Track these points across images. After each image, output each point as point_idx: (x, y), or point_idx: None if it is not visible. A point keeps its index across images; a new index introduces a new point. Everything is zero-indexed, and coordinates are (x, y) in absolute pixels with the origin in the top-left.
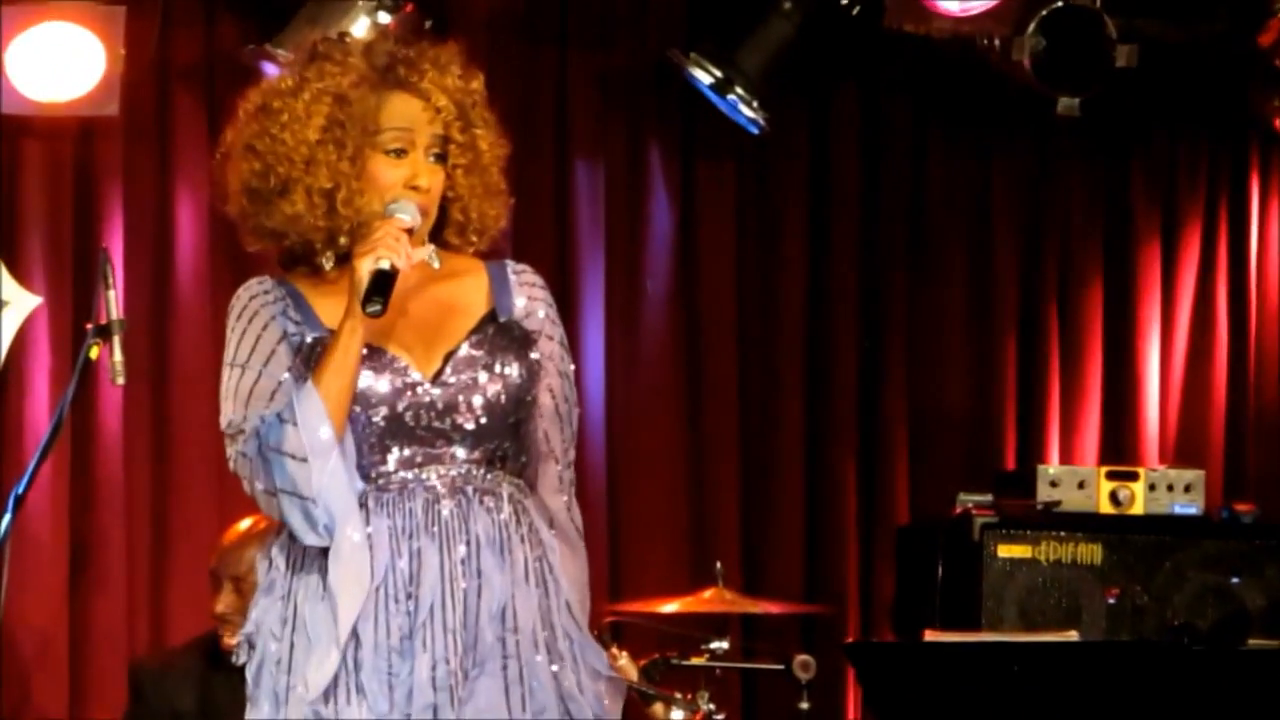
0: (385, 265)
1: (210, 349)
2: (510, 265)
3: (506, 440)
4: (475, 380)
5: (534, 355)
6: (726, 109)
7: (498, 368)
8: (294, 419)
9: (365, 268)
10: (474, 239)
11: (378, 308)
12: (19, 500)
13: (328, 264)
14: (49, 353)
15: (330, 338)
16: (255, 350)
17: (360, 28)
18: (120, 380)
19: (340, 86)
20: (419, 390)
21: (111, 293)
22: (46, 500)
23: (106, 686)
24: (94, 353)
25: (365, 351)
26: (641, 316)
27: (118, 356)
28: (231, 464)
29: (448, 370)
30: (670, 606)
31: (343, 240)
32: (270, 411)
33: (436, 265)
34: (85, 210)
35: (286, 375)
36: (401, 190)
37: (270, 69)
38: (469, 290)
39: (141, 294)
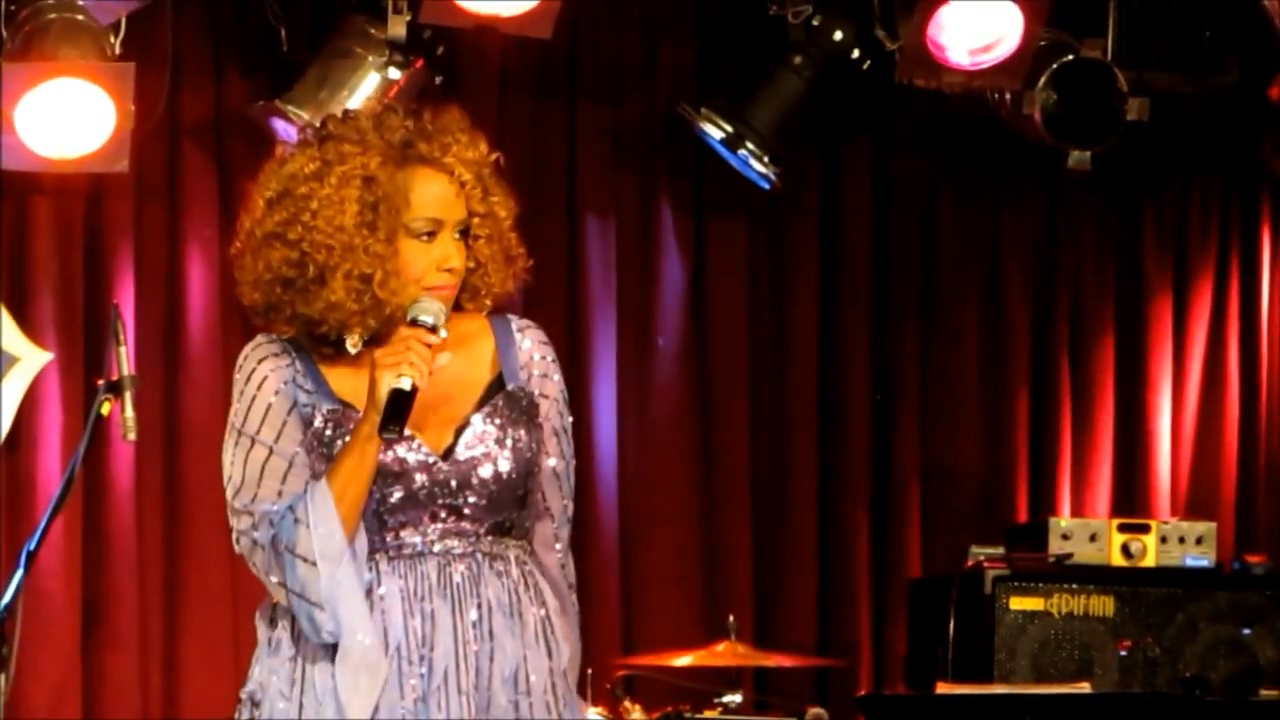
0: (406, 385)
1: (222, 405)
2: (514, 322)
3: (515, 510)
4: (487, 454)
5: (538, 420)
6: (737, 164)
7: (509, 441)
8: (306, 520)
9: (386, 383)
10: (487, 302)
11: (395, 434)
12: (31, 557)
13: (354, 350)
14: (60, 409)
15: (347, 443)
16: (265, 421)
17: (370, 85)
18: (132, 436)
19: (368, 168)
20: (433, 468)
21: (123, 349)
22: (59, 557)
23: None
24: (105, 409)
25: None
26: (653, 372)
27: (129, 413)
28: (237, 543)
29: (460, 446)
30: (683, 660)
31: (374, 323)
32: (283, 504)
33: (445, 335)
34: (96, 267)
35: (299, 450)
36: (436, 275)
37: (280, 126)
38: (476, 355)
39: (153, 350)
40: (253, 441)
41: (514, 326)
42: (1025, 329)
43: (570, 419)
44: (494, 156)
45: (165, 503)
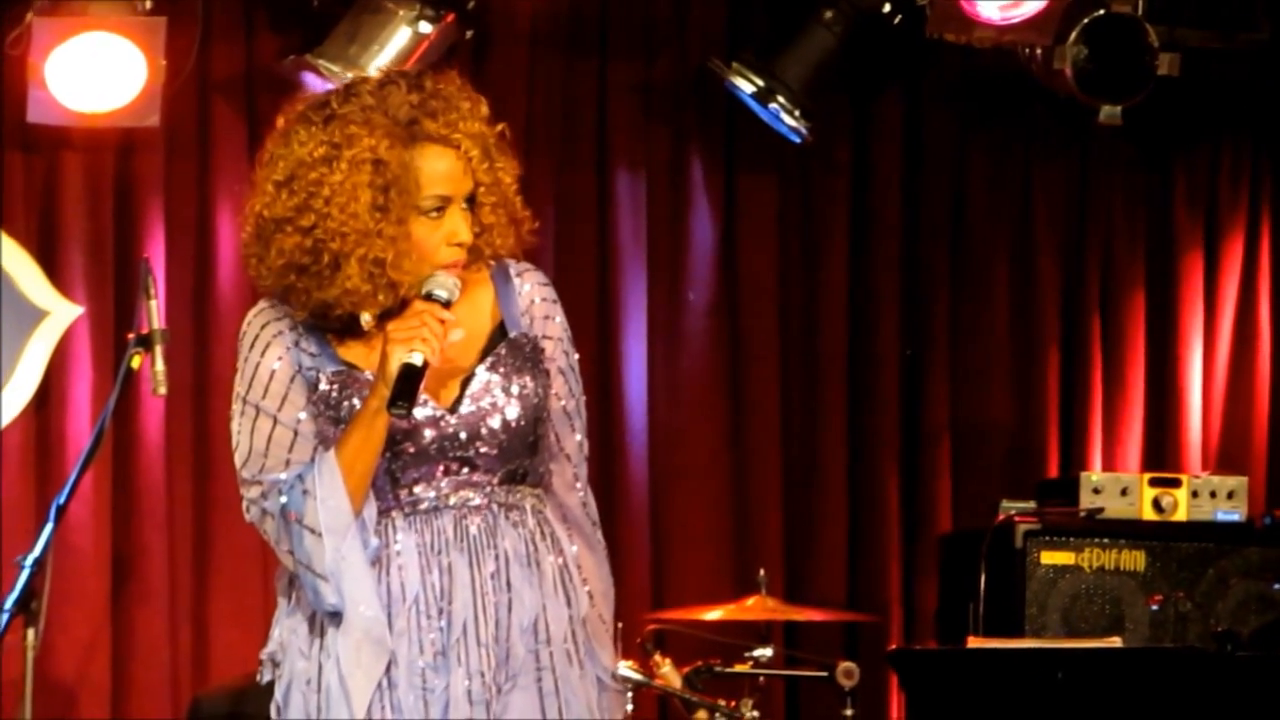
0: (418, 360)
1: None
2: (512, 267)
3: (526, 457)
4: (494, 404)
5: (544, 364)
6: (768, 119)
7: (515, 389)
8: (315, 491)
9: (398, 358)
10: (490, 264)
11: (403, 411)
12: (61, 511)
13: (367, 327)
14: (90, 363)
15: (356, 415)
16: (269, 389)
17: (401, 39)
18: (162, 390)
19: (376, 151)
20: (441, 422)
21: (153, 303)
22: (88, 511)
23: (148, 697)
24: (136, 363)
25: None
26: (683, 327)
27: (159, 367)
28: (247, 511)
29: (466, 399)
30: (714, 614)
31: (384, 301)
32: (291, 473)
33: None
34: (126, 221)
35: (303, 417)
36: (447, 251)
37: (311, 80)
38: (476, 308)
39: (182, 305)
40: (257, 411)
41: (512, 272)
42: (1056, 283)
43: (576, 356)
44: (499, 127)
45: (195, 457)
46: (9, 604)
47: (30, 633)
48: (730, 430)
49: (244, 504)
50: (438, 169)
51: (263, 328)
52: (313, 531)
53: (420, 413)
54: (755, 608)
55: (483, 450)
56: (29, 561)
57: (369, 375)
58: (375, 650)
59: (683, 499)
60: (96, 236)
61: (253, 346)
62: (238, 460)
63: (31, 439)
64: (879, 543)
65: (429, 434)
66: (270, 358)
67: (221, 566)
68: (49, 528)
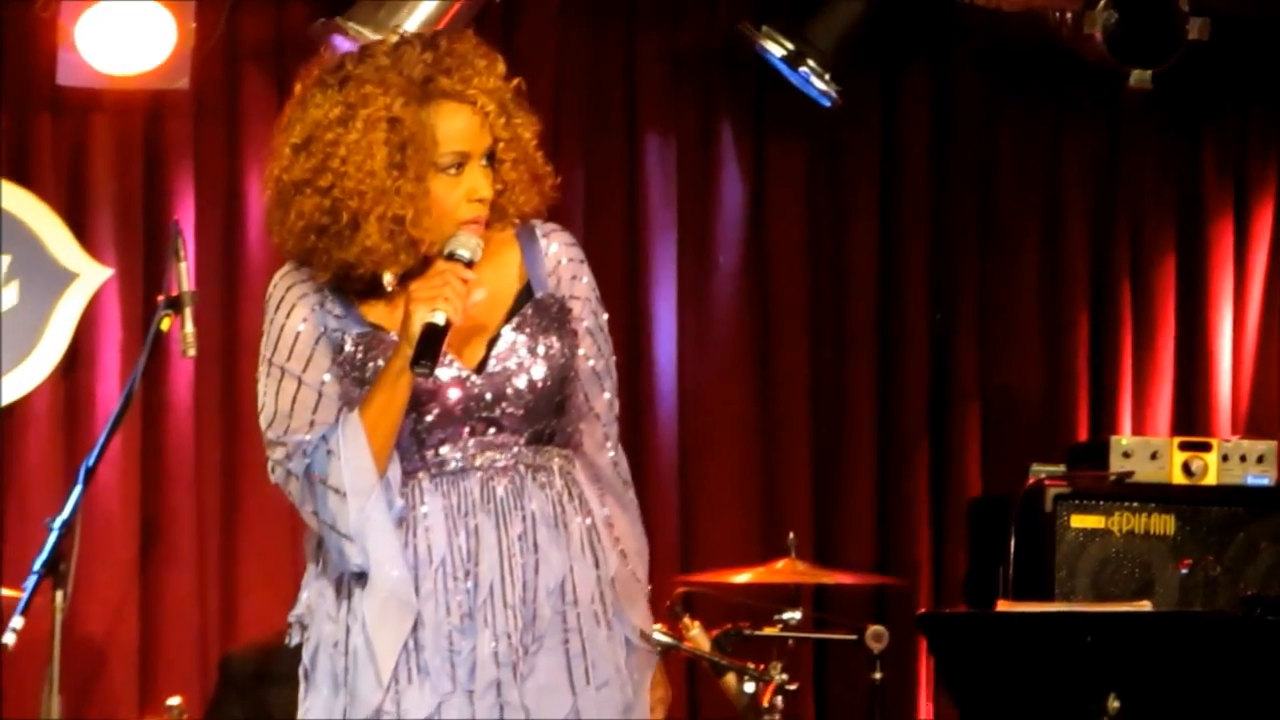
0: (440, 319)
1: None
2: (538, 228)
3: (553, 416)
4: (520, 364)
5: (570, 324)
6: (798, 82)
7: (540, 349)
8: (339, 452)
9: (421, 317)
10: (515, 222)
11: (426, 370)
12: (89, 473)
13: (389, 287)
14: (120, 325)
15: (379, 375)
16: (294, 351)
17: (429, 3)
18: (191, 352)
19: (391, 109)
20: (466, 383)
21: (183, 265)
22: (117, 473)
23: (176, 658)
24: (165, 325)
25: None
26: (712, 291)
27: (189, 329)
28: (272, 472)
29: (492, 359)
30: (742, 577)
31: (405, 259)
32: (315, 434)
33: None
34: (156, 184)
35: (327, 378)
36: (468, 208)
37: (340, 44)
38: (502, 269)
39: (212, 267)
40: (283, 372)
41: (538, 232)
42: (1085, 248)
43: (605, 316)
44: (515, 81)
45: (224, 419)
46: (38, 565)
47: (59, 594)
48: (759, 393)
49: (269, 465)
50: (454, 125)
51: (288, 290)
52: (337, 492)
53: (446, 373)
54: (784, 571)
55: (508, 411)
56: (58, 523)
57: (394, 336)
58: (401, 610)
59: (712, 462)
60: (126, 199)
61: (278, 309)
62: (263, 422)
63: (60, 401)
64: (908, 506)
65: (455, 395)
66: (295, 320)
67: (250, 529)
68: (78, 490)
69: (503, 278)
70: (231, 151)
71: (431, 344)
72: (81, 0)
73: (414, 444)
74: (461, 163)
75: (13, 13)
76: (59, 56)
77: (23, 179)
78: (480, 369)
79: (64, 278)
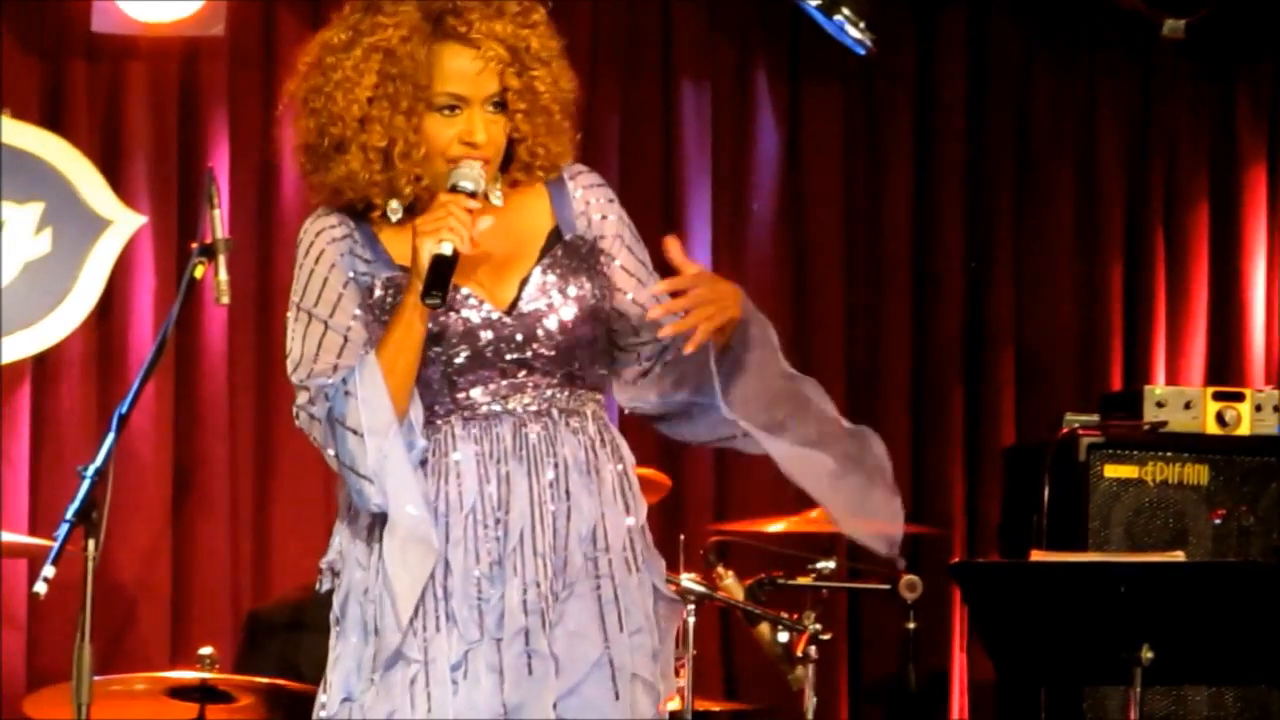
0: (447, 250)
1: None
2: (565, 171)
3: (584, 354)
4: (550, 305)
5: (601, 265)
6: (833, 30)
7: (571, 290)
8: (356, 392)
9: (427, 250)
10: (540, 175)
11: (437, 301)
12: (123, 420)
13: (394, 216)
14: (153, 272)
15: (394, 313)
16: (321, 296)
17: None
18: (225, 300)
19: (390, 41)
20: (496, 324)
21: (217, 212)
22: (150, 420)
23: (208, 607)
24: (199, 272)
25: None
26: (748, 237)
27: (223, 276)
28: (296, 417)
29: (522, 300)
30: (776, 526)
31: (407, 190)
32: (336, 377)
33: (499, 203)
34: (190, 131)
35: (353, 323)
36: (458, 148)
37: None
38: (532, 213)
39: (246, 215)
40: (310, 316)
41: (565, 175)
42: (1119, 197)
43: (644, 251)
44: (535, 26)
45: (257, 368)
46: (70, 514)
47: (90, 543)
48: (794, 340)
49: (294, 409)
50: (453, 66)
51: (317, 235)
52: (355, 432)
53: (475, 315)
54: (818, 520)
55: (540, 351)
56: (90, 471)
57: None
58: (421, 550)
59: None
60: (160, 146)
61: (307, 253)
62: (289, 366)
63: (94, 349)
64: (943, 455)
65: (485, 336)
66: (324, 264)
67: (283, 477)
68: (111, 437)
69: (533, 222)
70: (267, 98)
71: (440, 274)
72: None
73: (445, 386)
74: (457, 105)
75: None
76: (94, 4)
77: (57, 126)
78: (511, 310)
79: (98, 224)
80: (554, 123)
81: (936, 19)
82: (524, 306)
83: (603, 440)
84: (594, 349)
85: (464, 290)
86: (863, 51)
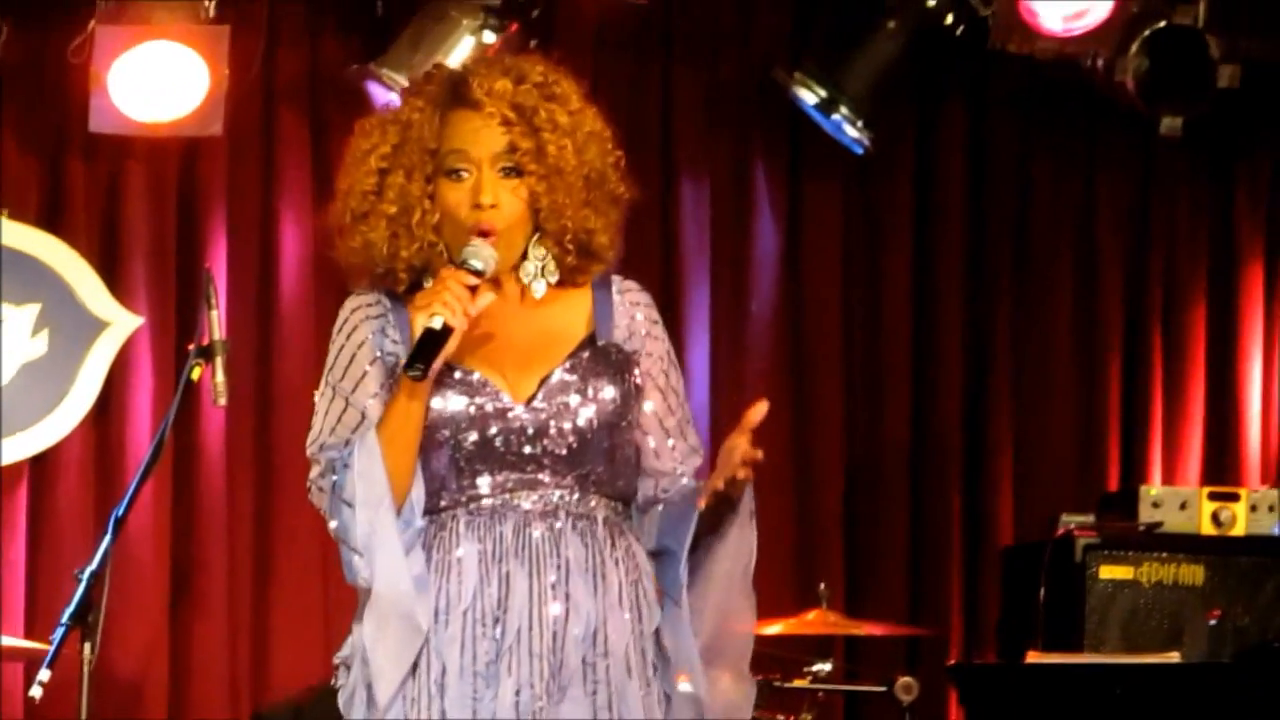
0: (437, 324)
1: (313, 371)
2: (616, 284)
3: (600, 464)
4: (567, 405)
5: (632, 378)
6: (831, 129)
7: (590, 391)
8: (354, 465)
9: (420, 323)
10: (575, 253)
11: (419, 373)
12: (120, 522)
13: (429, 283)
14: (151, 373)
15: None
16: (348, 372)
17: (464, 48)
18: (222, 401)
19: (408, 112)
20: (509, 415)
21: (215, 313)
22: (148, 522)
23: (206, 709)
24: (196, 373)
25: (458, 375)
26: (746, 335)
27: (220, 377)
28: (309, 493)
29: (540, 395)
30: (774, 628)
31: (416, 263)
32: (346, 451)
33: (529, 280)
34: (189, 230)
35: (372, 401)
36: (469, 212)
37: (374, 89)
38: (570, 314)
39: (244, 315)
40: (335, 391)
41: (615, 288)
42: (1118, 295)
43: (680, 378)
44: (551, 89)
45: (256, 469)
46: (66, 617)
47: (86, 646)
48: (793, 440)
49: (307, 483)
50: (460, 130)
51: (353, 311)
52: (349, 504)
53: (491, 403)
54: (816, 622)
55: (551, 449)
56: (87, 574)
57: (445, 363)
58: (403, 627)
59: None
60: (159, 246)
61: (340, 329)
62: (308, 440)
63: (92, 449)
64: (941, 554)
65: (496, 426)
66: (354, 341)
67: (281, 579)
68: (108, 539)
69: (571, 322)
70: (265, 196)
71: (425, 347)
72: (114, 46)
73: (453, 474)
74: (466, 168)
75: (46, 58)
76: (91, 103)
77: (55, 226)
78: (527, 404)
79: (95, 326)
80: (573, 190)
81: (935, 115)
82: (540, 403)
83: (614, 545)
84: (613, 459)
85: (482, 377)
86: (860, 150)
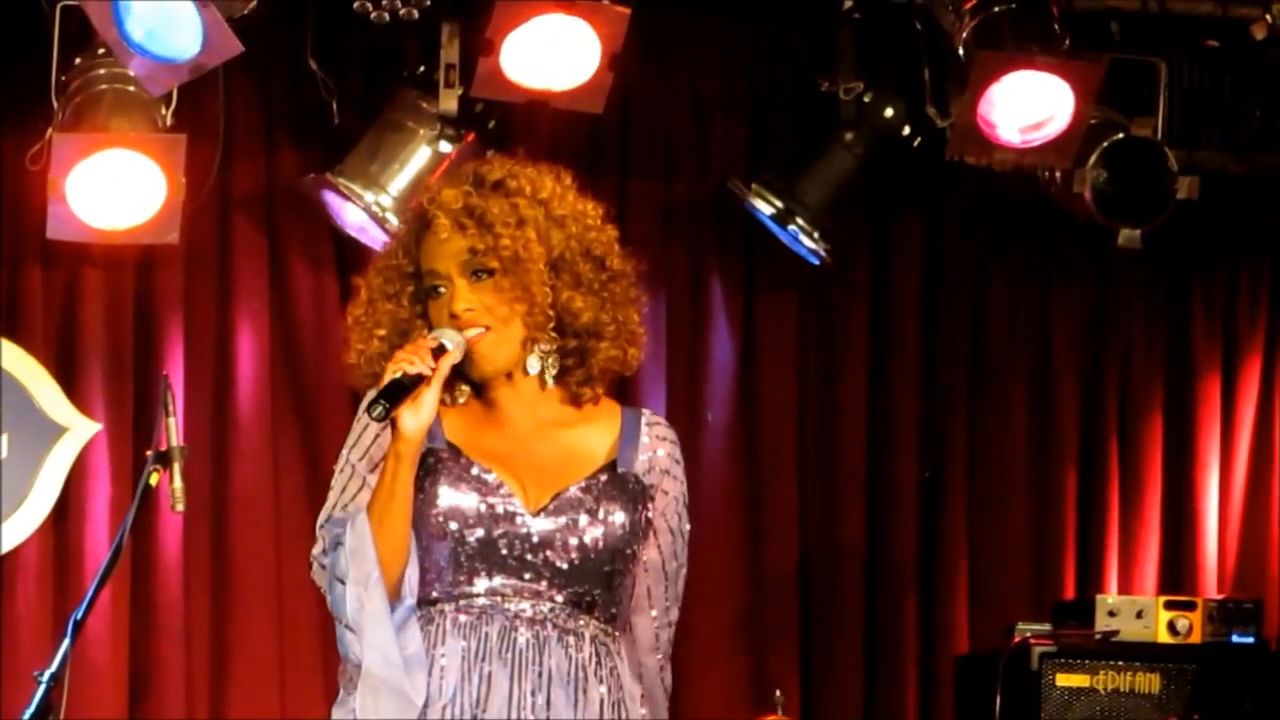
0: (398, 375)
1: (270, 477)
2: (645, 416)
3: (598, 588)
4: (576, 522)
5: (645, 510)
6: (787, 240)
7: (601, 514)
8: (346, 542)
9: (386, 376)
10: (555, 335)
11: (379, 410)
12: (79, 625)
13: (461, 398)
14: (109, 479)
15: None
16: (368, 452)
17: (421, 158)
18: (180, 507)
19: (393, 243)
20: (518, 520)
21: (172, 420)
22: (106, 626)
23: None
24: (154, 479)
25: (476, 472)
26: (702, 447)
27: (178, 483)
28: (310, 570)
29: (551, 507)
30: None
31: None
32: (340, 530)
33: (543, 378)
34: (145, 337)
35: None
36: (449, 323)
37: (330, 199)
38: (596, 436)
39: (201, 422)
40: (352, 470)
41: (643, 420)
42: (1074, 406)
43: (688, 526)
44: (500, 184)
45: (213, 573)
46: (26, 719)
47: None
48: (748, 550)
49: (310, 561)
50: (429, 249)
51: None
52: (340, 581)
53: (501, 505)
54: None
55: (551, 561)
56: (46, 677)
57: (466, 457)
58: (395, 700)
59: (699, 617)
60: (116, 352)
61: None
62: (321, 515)
63: (49, 554)
64: (896, 663)
65: (503, 527)
66: (376, 424)
67: (239, 683)
68: (66, 643)
69: (593, 446)
70: (222, 305)
71: (389, 391)
72: (72, 154)
73: (451, 567)
74: (440, 284)
75: (3, 165)
76: (49, 210)
77: (12, 332)
78: (538, 514)
79: (53, 431)
80: (541, 275)
81: (891, 228)
82: (551, 514)
83: (599, 664)
84: (611, 584)
85: (499, 479)
86: (817, 261)
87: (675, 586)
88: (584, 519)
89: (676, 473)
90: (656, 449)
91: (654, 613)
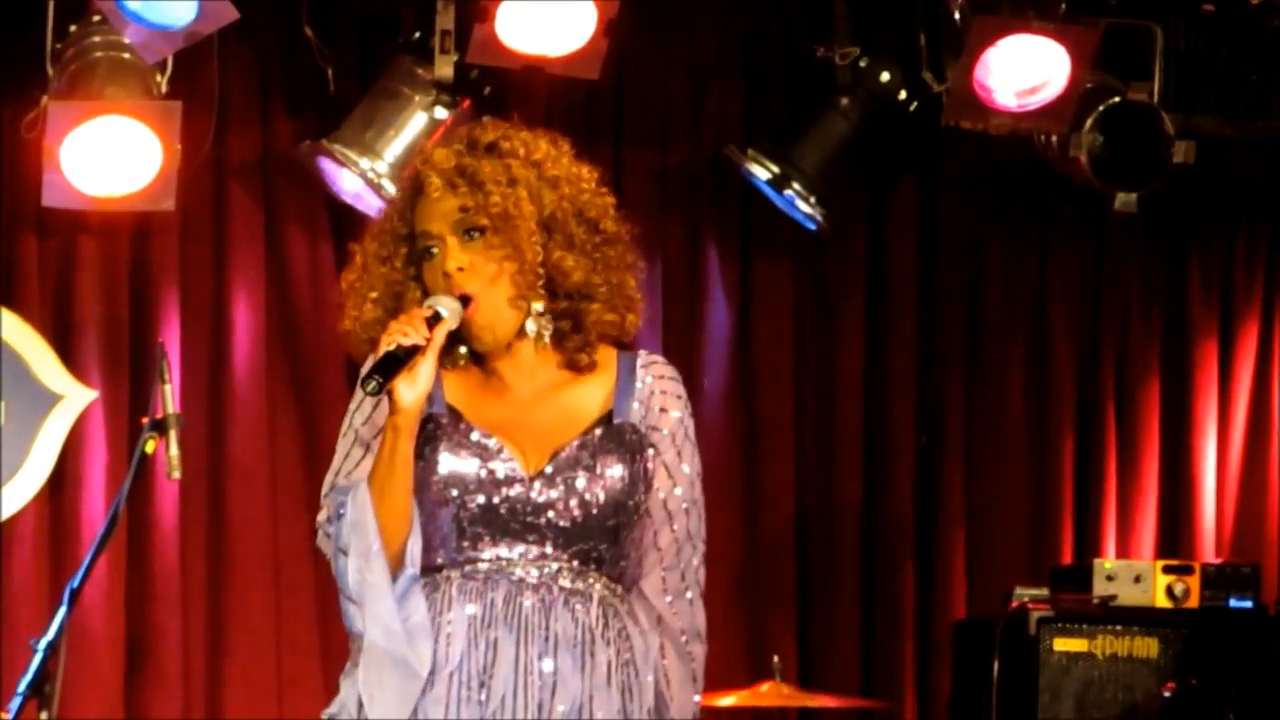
0: (392, 347)
1: (266, 444)
2: (640, 358)
3: (603, 543)
4: (575, 481)
5: (645, 459)
6: (784, 205)
7: (598, 469)
8: (347, 514)
9: (381, 348)
10: (544, 293)
11: (373, 385)
12: (74, 594)
13: (461, 362)
14: (105, 447)
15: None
16: (371, 418)
17: (416, 125)
18: (176, 475)
19: (388, 208)
20: (517, 484)
21: (168, 387)
22: (102, 595)
23: None
24: (150, 447)
25: (475, 437)
26: (699, 414)
27: (174, 451)
28: (316, 538)
29: (549, 468)
30: (727, 700)
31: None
32: (344, 500)
33: (540, 340)
34: (141, 305)
35: None
36: (443, 282)
37: (326, 166)
38: (591, 393)
39: (197, 389)
40: (356, 435)
41: (639, 363)
42: (1071, 371)
43: (696, 464)
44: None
45: (209, 541)
46: (23, 687)
47: (43, 715)
48: (746, 516)
49: (315, 528)
50: (422, 210)
51: None
52: (343, 553)
53: (501, 469)
54: (769, 694)
55: (553, 521)
56: (43, 644)
57: (467, 421)
58: (400, 673)
59: None
60: (111, 320)
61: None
62: (325, 481)
63: (46, 522)
64: (894, 628)
65: (503, 491)
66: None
67: (235, 650)
68: (63, 611)
69: (588, 400)
70: (218, 271)
71: (384, 365)
72: (67, 121)
73: (454, 534)
74: (433, 245)
75: None
76: (44, 178)
77: (8, 300)
78: (536, 476)
79: (49, 399)
80: (532, 233)
81: (888, 194)
82: (549, 475)
83: (606, 626)
84: (618, 539)
85: (500, 443)
86: (813, 227)
87: (685, 522)
88: (582, 477)
89: (673, 406)
90: (654, 388)
91: (660, 549)
